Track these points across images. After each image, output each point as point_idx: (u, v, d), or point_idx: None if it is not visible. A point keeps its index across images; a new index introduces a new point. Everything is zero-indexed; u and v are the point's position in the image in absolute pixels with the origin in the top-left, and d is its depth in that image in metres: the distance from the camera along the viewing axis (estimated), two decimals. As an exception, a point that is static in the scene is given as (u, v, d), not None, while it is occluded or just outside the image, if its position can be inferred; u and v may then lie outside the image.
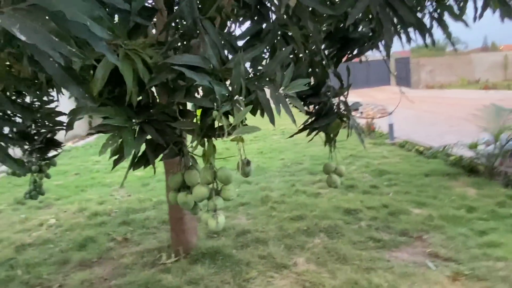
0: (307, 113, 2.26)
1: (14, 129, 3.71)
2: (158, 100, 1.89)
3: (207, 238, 4.11)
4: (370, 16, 2.15)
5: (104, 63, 1.55)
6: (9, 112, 3.18)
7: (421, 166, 6.54)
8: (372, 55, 2.94)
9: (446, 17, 2.10)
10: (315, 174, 6.56)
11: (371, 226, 4.19)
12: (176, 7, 1.93)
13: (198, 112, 1.72)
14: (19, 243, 4.51)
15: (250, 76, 1.67)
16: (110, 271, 3.73)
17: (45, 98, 3.51)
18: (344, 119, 2.25)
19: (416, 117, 13.20)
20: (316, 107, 2.32)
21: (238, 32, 2.07)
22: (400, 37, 1.72)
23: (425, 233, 3.95)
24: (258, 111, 1.88)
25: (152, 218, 5.02)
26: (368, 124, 10.46)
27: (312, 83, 2.21)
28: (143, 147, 1.87)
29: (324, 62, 2.21)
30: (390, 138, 9.17)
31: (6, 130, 3.73)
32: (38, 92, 2.37)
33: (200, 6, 1.73)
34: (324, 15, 1.85)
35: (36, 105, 3.68)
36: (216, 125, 1.73)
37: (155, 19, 2.44)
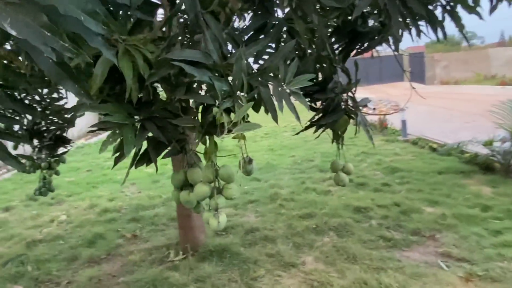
0: (314, 109, 2.20)
1: (24, 127, 3.77)
2: (161, 97, 1.86)
3: (215, 236, 4.08)
4: (380, 8, 2.08)
5: (103, 59, 1.51)
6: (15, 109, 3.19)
7: (435, 164, 6.41)
8: (385, 50, 2.86)
9: (460, 9, 2.02)
10: (326, 172, 6.48)
11: (382, 225, 4.11)
12: (178, 1, 1.89)
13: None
14: (30, 239, 4.55)
15: (253, 71, 1.62)
16: (118, 268, 3.73)
17: (55, 95, 3.53)
18: (353, 115, 2.18)
19: (430, 114, 12.98)
20: (323, 103, 2.26)
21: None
22: (409, 31, 1.65)
23: (438, 232, 3.86)
24: (263, 108, 1.83)
25: (161, 215, 5.03)
26: (381, 121, 10.31)
27: (319, 79, 2.16)
28: (146, 144, 1.84)
29: (331, 57, 2.15)
30: (403, 135, 9.02)
31: (16, 127, 3.78)
32: (40, 89, 2.35)
33: (202, 0, 1.69)
34: (330, 8, 1.79)
35: (45, 102, 3.71)
36: (219, 122, 1.68)
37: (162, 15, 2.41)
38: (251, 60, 1.83)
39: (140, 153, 1.88)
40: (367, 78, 25.70)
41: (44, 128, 3.82)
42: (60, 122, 3.73)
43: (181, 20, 2.03)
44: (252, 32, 1.82)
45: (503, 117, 5.89)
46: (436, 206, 4.53)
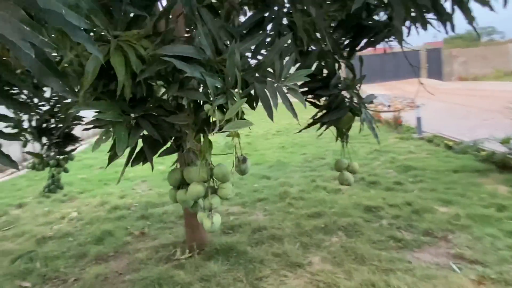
0: (317, 106, 2.13)
1: (33, 124, 3.79)
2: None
3: (222, 234, 4.05)
4: (386, 1, 2.00)
5: (94, 56, 1.48)
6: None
7: (450, 162, 6.25)
8: (408, 46, 2.76)
9: (474, 4, 1.92)
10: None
11: (392, 224, 4.01)
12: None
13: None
14: (40, 236, 4.59)
15: (249, 67, 1.57)
16: (125, 265, 3.73)
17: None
18: (358, 112, 2.11)
19: (447, 111, 12.72)
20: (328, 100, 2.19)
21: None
22: (414, 24, 1.57)
23: (451, 233, 3.74)
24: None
25: (170, 212, 5.02)
26: (395, 118, 10.13)
27: (323, 75, 2.09)
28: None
29: (335, 52, 2.07)
30: (418, 132, 8.84)
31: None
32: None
33: (197, -6, 1.64)
34: (330, 0, 1.71)
35: (54, 100, 3.72)
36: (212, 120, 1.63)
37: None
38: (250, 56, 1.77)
39: (137, 151, 1.84)
40: (382, 74, 25.38)
41: (53, 126, 3.84)
42: (70, 120, 3.75)
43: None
44: (250, 27, 1.77)
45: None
46: (449, 205, 4.40)
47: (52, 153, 3.93)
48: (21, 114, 3.72)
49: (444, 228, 3.82)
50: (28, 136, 3.78)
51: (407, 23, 1.89)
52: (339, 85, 2.00)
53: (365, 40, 2.25)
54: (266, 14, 1.71)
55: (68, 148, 3.99)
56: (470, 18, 1.68)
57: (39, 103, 3.58)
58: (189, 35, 2.37)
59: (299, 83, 2.27)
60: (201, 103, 1.55)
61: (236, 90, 1.42)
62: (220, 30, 1.58)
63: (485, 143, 6.09)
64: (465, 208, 4.22)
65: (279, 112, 2.06)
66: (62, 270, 3.76)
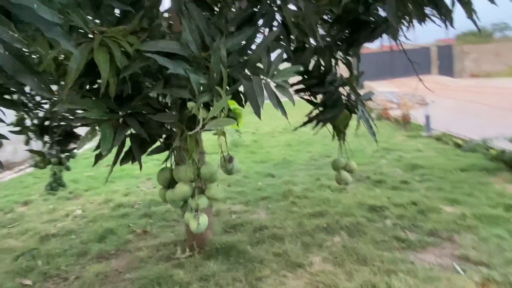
0: (313, 103, 2.08)
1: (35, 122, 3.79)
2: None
3: (223, 233, 4.01)
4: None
5: (79, 53, 1.44)
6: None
7: (458, 161, 6.13)
8: (412, 42, 2.69)
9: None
10: (343, 168, 6.30)
11: (396, 224, 3.93)
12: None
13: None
14: (44, 234, 4.61)
15: (238, 63, 1.52)
16: (125, 264, 3.71)
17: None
18: (355, 110, 2.05)
19: (457, 108, 12.53)
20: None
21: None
22: (410, 18, 1.50)
23: (456, 233, 3.65)
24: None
25: (173, 210, 4.99)
26: (404, 116, 9.99)
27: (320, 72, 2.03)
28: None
29: (331, 48, 2.02)
30: (426, 130, 8.71)
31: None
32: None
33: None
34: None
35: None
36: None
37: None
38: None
39: (127, 150, 1.81)
40: (392, 71, 25.08)
41: (55, 124, 3.84)
42: (71, 117, 3.74)
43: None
44: (241, 22, 1.72)
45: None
46: (456, 205, 4.31)
47: (53, 151, 3.93)
48: (22, 113, 3.73)
49: (449, 229, 3.73)
50: (31, 134, 3.79)
51: (407, 18, 1.83)
52: (335, 82, 1.94)
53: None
54: (257, 9, 1.66)
55: (70, 146, 3.98)
56: (469, 13, 1.60)
57: (42, 101, 3.58)
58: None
59: (295, 80, 2.22)
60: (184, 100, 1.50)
61: (222, 87, 1.37)
62: (208, 25, 1.53)
63: (495, 141, 5.96)
64: (472, 208, 4.12)
65: (293, 108, 2.03)
66: (63, 268, 3.76)
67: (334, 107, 1.98)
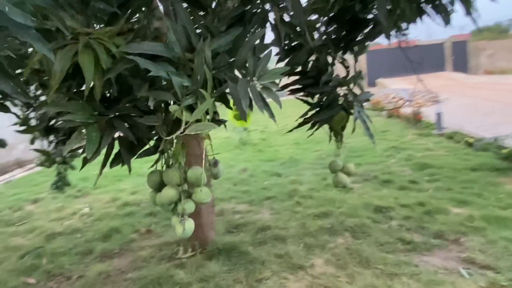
0: (309, 104, 2.03)
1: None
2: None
3: (225, 233, 3.99)
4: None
5: (63, 55, 1.42)
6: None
7: (469, 160, 5.99)
8: (426, 39, 2.62)
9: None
10: (350, 167, 6.22)
11: (402, 226, 3.85)
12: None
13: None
14: (50, 232, 4.65)
15: (226, 64, 1.48)
16: (128, 263, 3.72)
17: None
18: (352, 111, 1.99)
19: (470, 106, 12.29)
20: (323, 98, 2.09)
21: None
22: (401, 13, 1.44)
23: (463, 235, 3.56)
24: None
25: (178, 210, 4.99)
26: (415, 113, 9.83)
27: (312, 71, 1.98)
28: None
29: (328, 48, 1.96)
30: (437, 129, 8.54)
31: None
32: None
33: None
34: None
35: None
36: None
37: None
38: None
39: (117, 152, 1.79)
40: (405, 68, 24.70)
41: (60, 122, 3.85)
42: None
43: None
44: (232, 22, 1.68)
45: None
46: (464, 206, 4.20)
47: (58, 150, 3.95)
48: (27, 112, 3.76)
49: (456, 230, 3.64)
50: (36, 134, 3.82)
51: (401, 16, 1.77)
52: (330, 82, 1.89)
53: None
54: (247, 8, 1.62)
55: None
56: (468, 10, 1.54)
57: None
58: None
59: (291, 80, 2.17)
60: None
61: (207, 89, 1.34)
62: (195, 26, 1.50)
63: (507, 140, 5.80)
64: (481, 209, 4.02)
65: (295, 108, 1.99)
66: (67, 267, 3.78)
67: (330, 108, 1.93)
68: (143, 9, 1.64)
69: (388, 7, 2.04)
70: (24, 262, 3.91)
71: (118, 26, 1.53)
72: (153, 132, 1.70)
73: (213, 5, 1.97)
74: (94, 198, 6.16)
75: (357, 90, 2.65)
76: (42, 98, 3.53)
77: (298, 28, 1.59)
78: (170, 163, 1.70)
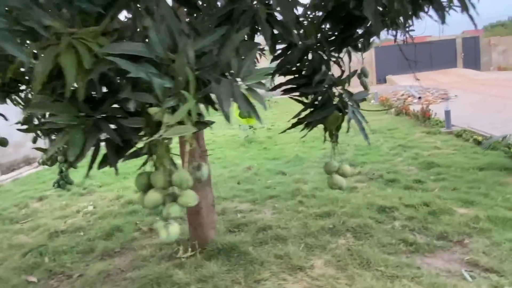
0: (303, 104, 1.98)
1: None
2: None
3: (226, 233, 3.96)
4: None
5: (45, 56, 1.40)
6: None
7: (477, 159, 5.88)
8: (437, 35, 2.57)
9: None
10: (356, 166, 6.16)
11: (405, 226, 3.78)
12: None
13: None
14: (53, 230, 4.68)
15: (210, 65, 1.44)
16: (128, 262, 3.72)
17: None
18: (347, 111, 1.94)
19: (481, 103, 12.08)
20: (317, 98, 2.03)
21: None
22: (393, 11, 1.39)
23: (467, 237, 3.48)
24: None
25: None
26: (423, 111, 9.68)
27: (307, 71, 1.93)
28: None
29: (323, 47, 1.91)
30: (446, 126, 8.41)
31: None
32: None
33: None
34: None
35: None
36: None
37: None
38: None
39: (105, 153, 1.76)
40: (415, 64, 24.39)
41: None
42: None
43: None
44: (220, 20, 1.63)
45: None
46: (470, 206, 4.12)
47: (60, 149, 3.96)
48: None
49: (461, 232, 3.57)
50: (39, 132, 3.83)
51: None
52: (324, 82, 1.84)
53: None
54: (236, 6, 1.57)
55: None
56: (464, 6, 1.47)
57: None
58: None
59: (283, 80, 2.13)
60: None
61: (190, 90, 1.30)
62: (180, 24, 1.46)
63: (516, 139, 5.68)
64: (487, 210, 3.93)
65: (300, 106, 1.95)
66: (68, 265, 3.80)
67: (324, 108, 1.89)
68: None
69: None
70: (26, 260, 3.94)
71: (102, 25, 1.50)
72: (140, 133, 1.67)
73: (202, 3, 1.94)
74: (99, 196, 6.19)
75: (360, 89, 2.59)
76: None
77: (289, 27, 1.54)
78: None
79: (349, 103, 1.85)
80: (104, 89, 1.67)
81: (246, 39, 1.94)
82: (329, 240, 3.60)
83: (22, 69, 1.85)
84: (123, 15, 2.33)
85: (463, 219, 3.78)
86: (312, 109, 1.94)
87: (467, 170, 5.40)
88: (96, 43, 1.46)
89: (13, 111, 2.61)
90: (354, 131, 2.60)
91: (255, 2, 1.49)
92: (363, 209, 4.23)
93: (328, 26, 1.98)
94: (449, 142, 7.30)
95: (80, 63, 1.41)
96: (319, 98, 1.92)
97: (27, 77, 2.46)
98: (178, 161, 1.64)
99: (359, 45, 2.31)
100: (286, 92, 1.96)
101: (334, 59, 1.92)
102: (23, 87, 2.86)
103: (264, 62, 3.05)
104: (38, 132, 3.82)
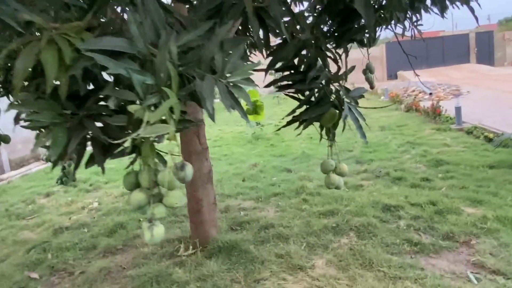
0: (299, 101, 1.92)
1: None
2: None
3: (228, 231, 3.92)
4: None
5: (26, 53, 1.36)
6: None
7: (487, 156, 5.74)
8: (450, 30, 2.49)
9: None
10: (362, 163, 6.07)
11: (411, 226, 3.69)
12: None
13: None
14: (58, 226, 4.69)
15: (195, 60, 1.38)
16: (129, 260, 3.70)
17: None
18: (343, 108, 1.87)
19: (494, 99, 11.83)
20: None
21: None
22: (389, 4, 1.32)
23: (474, 237, 3.39)
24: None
25: (184, 205, 4.95)
26: (434, 107, 9.51)
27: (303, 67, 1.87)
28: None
29: (319, 41, 1.84)
30: (456, 123, 8.24)
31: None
32: None
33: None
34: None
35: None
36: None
37: None
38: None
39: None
40: (427, 60, 24.06)
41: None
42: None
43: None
44: (209, 14, 1.58)
45: None
46: (478, 206, 4.01)
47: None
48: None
49: (467, 232, 3.47)
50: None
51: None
52: (318, 78, 1.77)
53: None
54: None
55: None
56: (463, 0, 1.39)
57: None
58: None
59: (278, 76, 2.07)
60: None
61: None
62: (166, 18, 1.41)
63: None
64: (495, 210, 3.82)
65: (285, 106, 1.89)
66: (70, 262, 3.80)
67: (320, 105, 1.82)
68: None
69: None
70: (30, 257, 3.95)
71: (85, 20, 1.46)
72: (126, 132, 1.62)
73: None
74: (104, 192, 6.19)
75: (366, 85, 2.53)
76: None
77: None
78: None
79: (346, 99, 1.79)
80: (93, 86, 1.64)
81: (239, 34, 1.89)
82: (331, 239, 3.54)
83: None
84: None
85: (470, 219, 3.68)
86: (307, 106, 1.88)
87: (477, 168, 5.27)
88: (80, 38, 1.41)
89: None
90: (365, 129, 2.53)
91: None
92: (367, 208, 4.15)
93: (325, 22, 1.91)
94: (459, 139, 7.15)
95: (62, 59, 1.37)
96: (316, 94, 1.86)
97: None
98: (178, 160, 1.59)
99: (365, 40, 2.25)
100: (281, 88, 1.90)
101: (331, 55, 1.85)
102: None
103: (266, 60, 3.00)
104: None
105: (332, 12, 1.88)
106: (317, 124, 2.20)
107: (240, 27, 1.93)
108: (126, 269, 3.55)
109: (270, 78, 2.17)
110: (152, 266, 3.45)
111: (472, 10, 1.44)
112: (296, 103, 1.94)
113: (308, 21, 1.93)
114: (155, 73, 1.30)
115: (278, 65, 1.94)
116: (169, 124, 1.17)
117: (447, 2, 1.76)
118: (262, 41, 1.63)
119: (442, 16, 1.51)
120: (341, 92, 1.89)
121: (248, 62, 1.71)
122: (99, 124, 1.59)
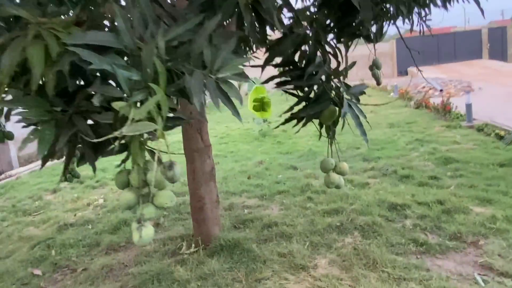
0: (298, 97, 1.86)
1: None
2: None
3: (231, 229, 3.88)
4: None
5: (12, 48, 1.32)
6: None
7: (498, 154, 5.61)
8: (462, 25, 2.40)
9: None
10: (369, 161, 5.98)
11: (417, 225, 3.61)
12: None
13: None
14: (63, 223, 4.70)
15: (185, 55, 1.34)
16: (132, 257, 3.69)
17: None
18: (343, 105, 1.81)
19: (507, 96, 11.61)
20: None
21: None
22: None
23: (483, 238, 3.30)
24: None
25: (188, 203, 4.92)
26: (444, 104, 9.35)
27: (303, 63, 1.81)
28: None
29: (318, 36, 1.78)
30: (467, 120, 8.09)
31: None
32: None
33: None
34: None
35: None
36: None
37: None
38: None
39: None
40: (438, 56, 23.72)
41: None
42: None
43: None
44: (202, 8, 1.53)
45: None
46: (487, 205, 3.91)
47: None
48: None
49: (476, 232, 3.38)
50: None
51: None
52: (317, 74, 1.71)
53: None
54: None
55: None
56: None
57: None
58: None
59: (277, 72, 2.01)
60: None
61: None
62: (153, 12, 1.36)
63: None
64: (505, 209, 3.71)
65: (284, 103, 1.84)
66: (74, 259, 3.80)
67: (319, 102, 1.76)
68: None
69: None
70: (34, 253, 3.96)
71: (73, 15, 1.42)
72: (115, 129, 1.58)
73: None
74: (111, 189, 6.20)
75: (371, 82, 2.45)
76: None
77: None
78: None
79: (346, 96, 1.72)
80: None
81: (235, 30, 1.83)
82: (335, 239, 3.48)
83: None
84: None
85: (479, 219, 3.59)
86: (306, 103, 1.82)
87: (487, 166, 5.15)
88: (68, 33, 1.37)
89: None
90: (369, 125, 2.47)
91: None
92: (373, 207, 4.07)
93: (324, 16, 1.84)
94: (469, 137, 7.01)
95: (49, 55, 1.33)
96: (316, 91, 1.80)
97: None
98: (181, 159, 1.54)
99: (371, 35, 2.18)
100: (279, 85, 1.85)
101: (331, 50, 1.79)
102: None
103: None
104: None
105: (332, 5, 1.82)
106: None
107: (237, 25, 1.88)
108: (128, 266, 3.54)
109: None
110: (154, 264, 3.43)
111: (477, 2, 1.36)
112: (298, 100, 1.89)
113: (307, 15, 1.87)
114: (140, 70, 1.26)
115: (278, 60, 1.89)
116: (156, 122, 1.12)
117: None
118: (258, 35, 1.58)
119: (446, 9, 1.44)
120: (341, 89, 1.83)
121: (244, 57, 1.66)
122: (90, 122, 1.56)
